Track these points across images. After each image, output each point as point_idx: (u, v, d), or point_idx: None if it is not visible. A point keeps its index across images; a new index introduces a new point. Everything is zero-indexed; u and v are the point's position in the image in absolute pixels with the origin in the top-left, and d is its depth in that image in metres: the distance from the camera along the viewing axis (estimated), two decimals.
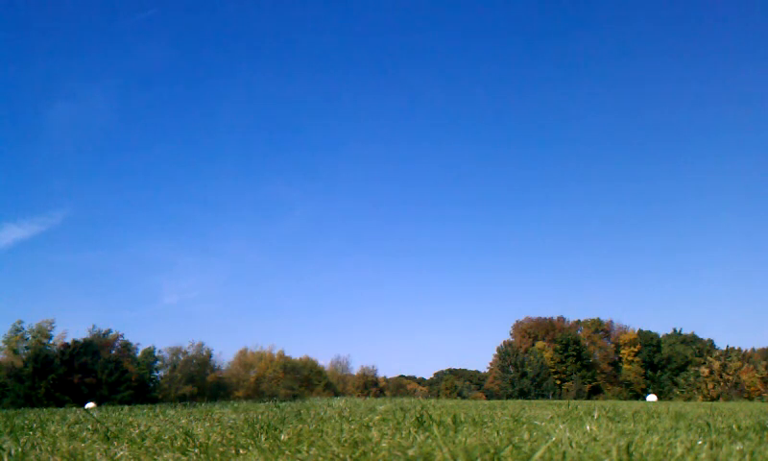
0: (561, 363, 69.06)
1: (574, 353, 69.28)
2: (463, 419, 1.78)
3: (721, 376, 54.62)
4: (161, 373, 61.94)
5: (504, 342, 73.53)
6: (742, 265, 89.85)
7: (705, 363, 57.08)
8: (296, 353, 78.06)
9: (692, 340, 72.41)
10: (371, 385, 72.33)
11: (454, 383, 78.66)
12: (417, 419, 1.69)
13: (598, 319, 75.59)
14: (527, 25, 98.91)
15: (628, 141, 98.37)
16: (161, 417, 1.99)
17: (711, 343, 68.33)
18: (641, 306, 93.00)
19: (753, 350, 64.76)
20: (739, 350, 60.59)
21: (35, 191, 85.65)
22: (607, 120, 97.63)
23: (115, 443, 1.36)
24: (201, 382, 60.81)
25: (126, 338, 60.06)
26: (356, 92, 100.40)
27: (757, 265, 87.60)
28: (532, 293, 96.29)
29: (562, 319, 75.97)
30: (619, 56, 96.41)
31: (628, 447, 1.06)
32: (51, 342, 52.41)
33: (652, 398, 29.79)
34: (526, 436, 1.32)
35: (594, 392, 67.19)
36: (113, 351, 57.51)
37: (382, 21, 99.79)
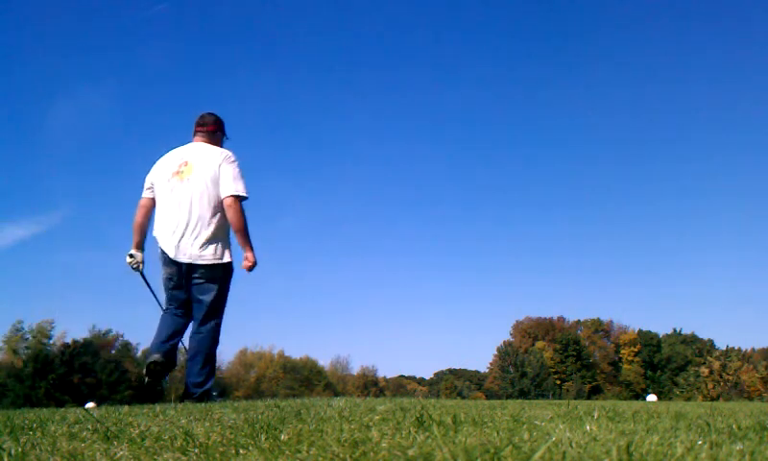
0: (561, 363, 69.12)
1: (574, 353, 69.34)
2: (463, 419, 1.78)
3: (721, 376, 54.61)
4: None
5: (504, 342, 73.64)
6: (742, 265, 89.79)
7: (705, 363, 57.08)
8: (296, 353, 77.95)
9: (692, 340, 72.43)
10: (371, 385, 72.37)
11: (454, 383, 78.74)
12: (417, 419, 1.69)
13: (598, 319, 75.69)
14: (527, 25, 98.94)
15: (628, 141, 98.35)
16: (161, 417, 2.00)
17: (711, 343, 68.36)
18: (641, 306, 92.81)
19: (753, 350, 64.83)
20: (739, 350, 60.64)
21: (35, 191, 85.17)
22: (607, 120, 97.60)
23: (115, 443, 1.36)
24: None
25: (126, 338, 60.18)
26: (356, 92, 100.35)
27: (757, 265, 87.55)
28: (532, 293, 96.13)
29: (562, 319, 76.08)
30: (618, 55, 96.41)
31: (628, 446, 1.06)
32: (51, 342, 52.46)
33: (652, 398, 29.78)
34: (526, 436, 1.32)
35: (594, 392, 67.19)
36: (113, 351, 57.58)
37: (382, 21, 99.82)
